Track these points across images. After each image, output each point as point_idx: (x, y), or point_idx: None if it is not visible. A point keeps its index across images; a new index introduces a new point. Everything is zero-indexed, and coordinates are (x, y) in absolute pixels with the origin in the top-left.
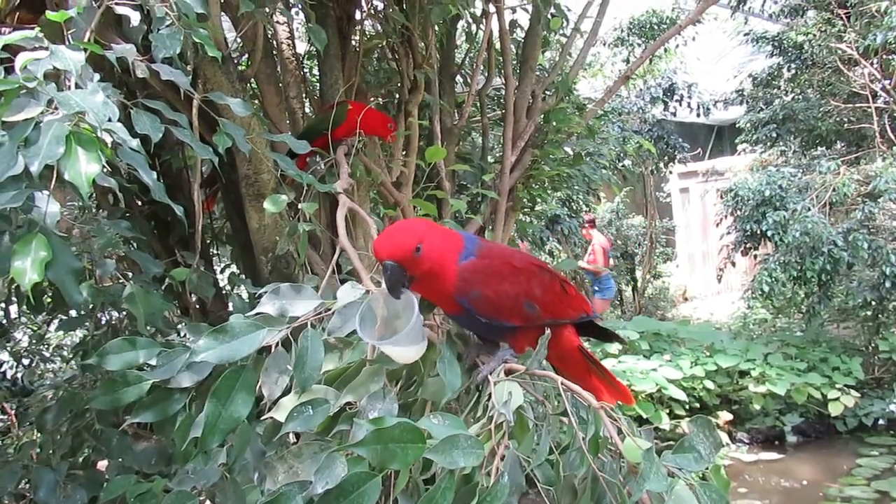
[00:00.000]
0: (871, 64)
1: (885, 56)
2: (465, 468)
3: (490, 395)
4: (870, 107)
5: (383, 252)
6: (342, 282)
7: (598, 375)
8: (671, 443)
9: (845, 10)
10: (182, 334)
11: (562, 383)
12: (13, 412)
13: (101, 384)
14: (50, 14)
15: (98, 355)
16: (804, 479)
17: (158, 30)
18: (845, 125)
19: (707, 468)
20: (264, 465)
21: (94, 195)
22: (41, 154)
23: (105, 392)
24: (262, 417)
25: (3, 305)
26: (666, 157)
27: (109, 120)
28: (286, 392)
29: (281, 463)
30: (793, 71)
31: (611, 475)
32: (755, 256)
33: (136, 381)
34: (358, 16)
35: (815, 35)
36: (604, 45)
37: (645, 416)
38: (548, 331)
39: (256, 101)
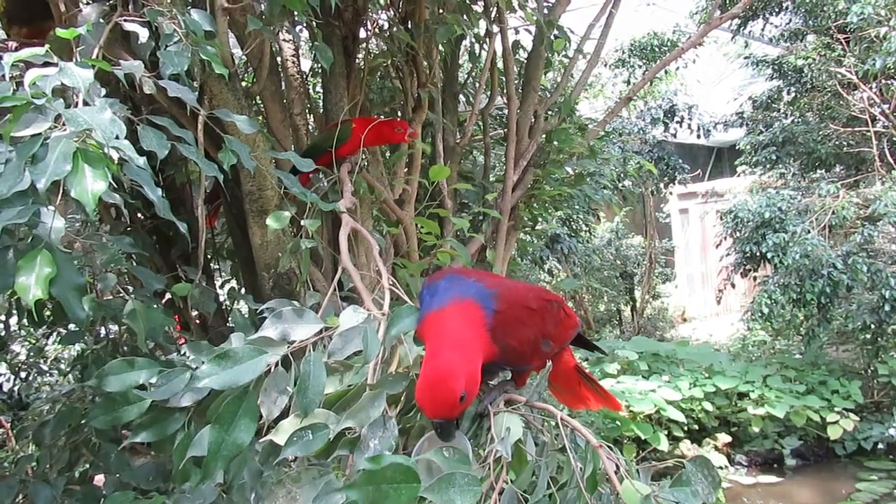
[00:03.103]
0: (871, 88)
1: (884, 81)
2: None
3: (489, 427)
4: (869, 131)
5: (431, 413)
6: (343, 299)
7: (587, 386)
8: (668, 464)
9: (844, 35)
10: (182, 352)
11: (561, 418)
12: (10, 425)
13: (100, 403)
14: (60, 31)
15: (97, 377)
16: None
17: (166, 47)
18: (844, 149)
19: None
20: (261, 486)
21: (97, 209)
22: (48, 171)
23: (105, 411)
24: (262, 440)
25: (2, 318)
26: (666, 178)
27: (117, 137)
28: (285, 412)
29: (280, 487)
30: (792, 94)
31: None
32: (754, 278)
33: (136, 400)
34: (363, 34)
35: (814, 59)
36: (605, 66)
37: (643, 437)
38: (549, 363)
39: (261, 118)
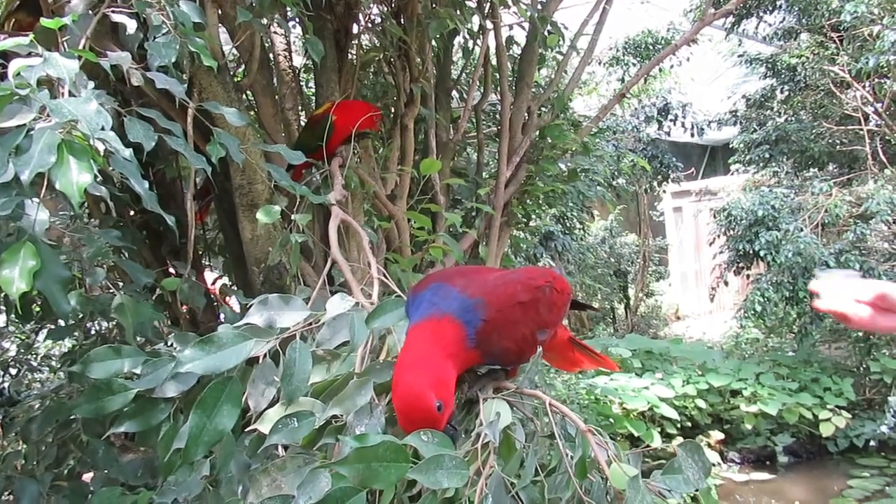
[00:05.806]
0: (864, 87)
1: (877, 80)
2: (448, 488)
3: (478, 413)
4: (862, 129)
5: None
6: (333, 293)
7: (581, 352)
8: (662, 461)
9: (838, 34)
10: (170, 343)
11: (550, 404)
12: None
13: (85, 392)
14: (45, 21)
15: (82, 363)
16: (795, 501)
17: (155, 38)
18: (837, 147)
19: (696, 491)
20: (248, 479)
21: (85, 204)
22: (32, 162)
23: (89, 400)
24: (247, 429)
25: None
26: (659, 176)
27: (102, 129)
28: (272, 404)
29: (264, 476)
30: (786, 93)
31: (597, 499)
32: (748, 276)
33: (121, 389)
34: (355, 29)
35: (808, 58)
36: (599, 63)
37: (636, 434)
38: (540, 349)
39: (252, 112)
